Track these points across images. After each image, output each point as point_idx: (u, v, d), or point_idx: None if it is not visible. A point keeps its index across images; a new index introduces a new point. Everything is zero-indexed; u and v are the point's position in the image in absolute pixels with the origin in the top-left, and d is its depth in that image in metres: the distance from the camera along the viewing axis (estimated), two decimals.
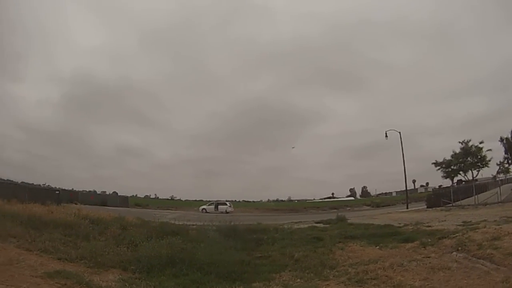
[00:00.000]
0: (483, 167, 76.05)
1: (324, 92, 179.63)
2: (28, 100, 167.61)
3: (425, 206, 47.96)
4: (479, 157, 74.95)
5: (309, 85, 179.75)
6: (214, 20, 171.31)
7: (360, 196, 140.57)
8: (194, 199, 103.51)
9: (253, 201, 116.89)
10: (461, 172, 79.39)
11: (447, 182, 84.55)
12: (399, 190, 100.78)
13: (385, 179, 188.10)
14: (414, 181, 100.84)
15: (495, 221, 21.29)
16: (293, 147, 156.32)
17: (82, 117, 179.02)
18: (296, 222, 31.49)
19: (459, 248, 14.27)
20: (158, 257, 14.80)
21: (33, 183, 72.58)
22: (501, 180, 68.04)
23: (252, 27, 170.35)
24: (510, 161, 78.87)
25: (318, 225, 29.25)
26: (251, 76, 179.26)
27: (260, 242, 20.54)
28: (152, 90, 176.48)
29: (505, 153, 77.15)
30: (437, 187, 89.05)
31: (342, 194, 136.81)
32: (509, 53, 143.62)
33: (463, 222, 22.77)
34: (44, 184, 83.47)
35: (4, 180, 60.61)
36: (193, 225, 26.41)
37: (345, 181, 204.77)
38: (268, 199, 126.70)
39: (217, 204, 66.28)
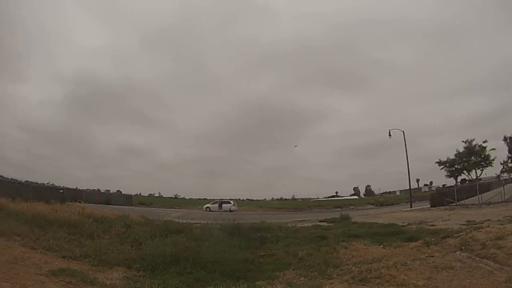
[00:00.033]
0: (486, 166, 75.90)
1: (326, 91, 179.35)
2: (31, 100, 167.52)
3: (429, 205, 47.92)
4: (482, 156, 74.76)
5: (311, 85, 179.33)
6: (215, 20, 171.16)
7: (364, 195, 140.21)
8: (198, 197, 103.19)
9: (257, 200, 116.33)
10: (464, 171, 79.21)
11: (451, 181, 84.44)
12: (403, 189, 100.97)
13: (388, 178, 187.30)
14: (418, 180, 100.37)
15: (498, 220, 21.30)
16: (295, 146, 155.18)
17: (84, 117, 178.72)
18: (300, 221, 31.64)
19: (463, 248, 14.28)
20: (162, 255, 14.89)
21: (37, 182, 72.79)
22: (505, 179, 67.58)
23: (253, 27, 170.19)
24: None
25: (322, 223, 29.30)
26: (253, 76, 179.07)
27: (264, 241, 20.55)
28: (154, 90, 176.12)
29: (509, 152, 76.60)
30: (441, 186, 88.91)
31: (346, 193, 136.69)
32: (510, 52, 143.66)
33: (466, 221, 22.81)
34: (48, 183, 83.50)
35: (8, 179, 60.76)
36: (197, 223, 26.42)
37: (348, 180, 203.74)
38: (272, 198, 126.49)
39: (221, 202, 66.22)
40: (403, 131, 58.51)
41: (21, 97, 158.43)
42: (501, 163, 79.21)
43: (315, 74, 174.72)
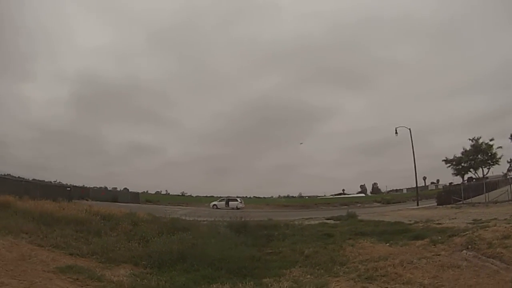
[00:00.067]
0: (493, 164, 75.58)
1: (331, 90, 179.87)
2: (38, 100, 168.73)
3: (436, 203, 47.84)
4: (489, 154, 74.42)
5: (316, 84, 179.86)
6: (218, 20, 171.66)
7: (371, 192, 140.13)
8: (205, 195, 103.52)
9: (264, 197, 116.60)
10: (471, 170, 78.92)
11: (457, 180, 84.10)
12: (409, 187, 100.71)
13: (395, 175, 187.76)
14: (424, 178, 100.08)
15: (505, 219, 21.16)
16: (301, 143, 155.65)
17: (91, 116, 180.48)
18: (306, 218, 31.80)
19: (469, 246, 14.26)
20: (169, 252, 14.95)
21: (44, 180, 72.97)
22: None
23: (256, 26, 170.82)
24: None
25: (328, 221, 29.31)
26: (257, 74, 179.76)
27: (271, 238, 20.63)
28: (160, 89, 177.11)
29: None
30: (448, 184, 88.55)
31: (352, 190, 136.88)
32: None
33: (473, 220, 22.69)
34: (55, 181, 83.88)
35: (15, 177, 60.98)
36: (204, 221, 26.49)
37: (355, 177, 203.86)
38: (279, 195, 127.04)
39: (228, 200, 66.30)
40: (409, 129, 58.53)
41: (28, 96, 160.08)
42: (508, 162, 79.13)
43: (318, 73, 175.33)
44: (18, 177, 64.10)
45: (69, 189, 49.98)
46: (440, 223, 23.06)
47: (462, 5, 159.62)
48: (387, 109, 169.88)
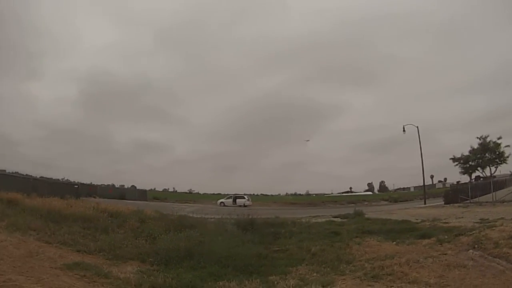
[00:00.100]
0: (501, 163, 74.85)
1: (338, 87, 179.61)
2: (47, 99, 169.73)
3: (443, 202, 47.64)
4: (497, 153, 73.89)
5: (323, 81, 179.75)
6: (225, 18, 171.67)
7: (378, 190, 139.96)
8: (212, 192, 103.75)
9: (271, 195, 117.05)
10: (479, 168, 78.46)
11: (465, 178, 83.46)
12: (417, 185, 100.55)
13: (403, 173, 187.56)
14: (432, 177, 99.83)
15: None
16: (307, 140, 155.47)
17: (99, 114, 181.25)
18: (313, 216, 31.68)
19: (476, 246, 14.27)
20: (176, 249, 15.04)
21: (52, 178, 73.22)
22: None
23: (263, 24, 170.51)
24: None
25: (335, 219, 29.30)
26: (265, 72, 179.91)
27: (278, 236, 20.69)
28: (168, 87, 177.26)
29: None
30: (455, 183, 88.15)
31: (360, 188, 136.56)
32: None
33: (480, 219, 22.57)
34: (63, 179, 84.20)
35: (23, 175, 61.28)
36: (211, 218, 26.66)
37: (363, 175, 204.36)
38: (286, 193, 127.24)
39: (235, 197, 66.21)
40: (417, 127, 58.23)
41: (36, 95, 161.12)
42: None
43: (325, 70, 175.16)
44: (26, 174, 64.71)
45: (76, 186, 50.30)
46: (447, 222, 22.97)
47: None
48: (395, 107, 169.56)
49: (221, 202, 64.96)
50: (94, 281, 10.19)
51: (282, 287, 11.34)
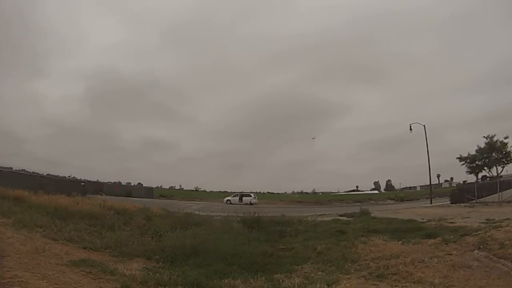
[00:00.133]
0: (508, 163, 74.54)
1: (348, 85, 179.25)
2: (53, 97, 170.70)
3: (449, 202, 47.50)
4: (504, 152, 73.55)
5: (332, 78, 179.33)
6: (236, 14, 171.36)
7: (385, 189, 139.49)
8: (218, 190, 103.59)
9: (278, 193, 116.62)
10: (485, 168, 78.17)
11: (471, 178, 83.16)
12: (423, 184, 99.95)
13: (409, 172, 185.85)
14: (438, 176, 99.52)
15: None
16: (313, 138, 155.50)
17: (106, 112, 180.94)
18: (320, 215, 31.68)
19: (481, 246, 14.28)
20: (182, 247, 15.17)
21: (58, 175, 73.46)
22: None
23: (275, 20, 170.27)
24: None
25: (341, 218, 29.34)
26: (273, 69, 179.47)
27: (284, 234, 20.71)
28: (175, 85, 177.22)
29: None
30: (462, 183, 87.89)
31: (366, 187, 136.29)
32: None
33: (486, 219, 22.50)
34: (69, 176, 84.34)
35: (30, 172, 61.48)
36: (217, 216, 26.66)
37: (369, 174, 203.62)
38: (293, 191, 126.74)
39: (242, 195, 66.17)
40: (424, 125, 57.83)
41: (43, 93, 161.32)
42: None
43: (334, 68, 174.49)
44: (33, 172, 64.87)
45: (83, 184, 50.25)
46: (452, 222, 22.92)
47: None
48: (402, 105, 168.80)
49: (227, 200, 64.87)
50: (100, 278, 10.25)
51: (287, 285, 11.41)
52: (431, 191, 59.01)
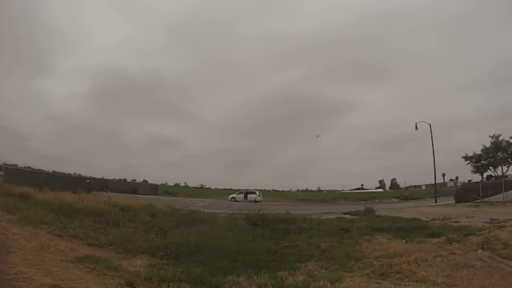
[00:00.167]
0: None
1: (354, 83, 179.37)
2: (59, 95, 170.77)
3: (454, 201, 47.39)
4: (509, 152, 73.30)
5: (339, 76, 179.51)
6: (242, 12, 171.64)
7: (389, 188, 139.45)
8: (223, 187, 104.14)
9: (283, 191, 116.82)
10: (491, 167, 77.94)
11: (477, 177, 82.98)
12: (428, 183, 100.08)
13: (414, 171, 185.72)
14: (443, 175, 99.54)
15: None
16: (318, 136, 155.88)
17: (113, 109, 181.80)
18: (324, 213, 31.76)
19: (485, 246, 14.28)
20: (186, 244, 15.25)
21: (64, 172, 73.63)
22: None
23: (281, 19, 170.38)
24: None
25: (346, 216, 29.46)
26: (280, 67, 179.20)
27: (288, 232, 20.73)
28: (181, 83, 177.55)
29: None
30: (467, 182, 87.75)
31: (371, 185, 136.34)
32: None
33: (490, 219, 22.47)
34: (75, 173, 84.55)
35: (35, 169, 61.57)
36: (222, 213, 26.85)
37: (374, 172, 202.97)
38: (298, 189, 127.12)
39: (246, 193, 66.16)
40: (429, 124, 57.52)
41: (48, 91, 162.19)
42: None
43: (342, 65, 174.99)
44: (38, 169, 64.77)
45: (88, 181, 50.41)
46: (457, 221, 22.89)
47: None
48: (408, 103, 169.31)
49: (232, 197, 64.86)
50: (104, 274, 10.32)
51: (291, 282, 11.44)
52: (436, 190, 58.94)
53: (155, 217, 21.93)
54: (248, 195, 64.64)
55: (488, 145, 75.65)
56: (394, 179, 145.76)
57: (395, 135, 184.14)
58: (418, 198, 73.18)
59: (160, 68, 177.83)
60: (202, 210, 28.14)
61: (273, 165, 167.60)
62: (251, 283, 11.40)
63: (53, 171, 64.65)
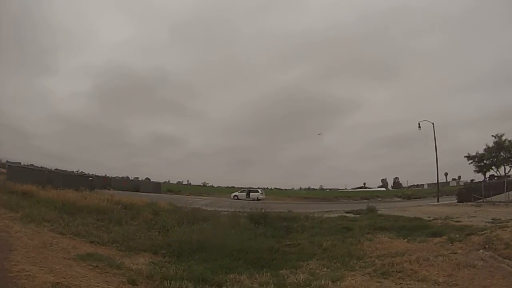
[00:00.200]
0: None
1: (357, 81, 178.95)
2: (62, 93, 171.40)
3: (456, 200, 47.35)
4: None
5: (342, 74, 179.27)
6: (245, 10, 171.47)
7: (392, 187, 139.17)
8: (226, 186, 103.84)
9: (285, 189, 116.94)
10: (493, 167, 77.80)
11: (479, 177, 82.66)
12: (430, 182, 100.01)
13: (417, 170, 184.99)
14: (446, 174, 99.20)
15: None
16: (319, 134, 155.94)
17: (116, 107, 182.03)
18: (326, 211, 31.87)
19: (486, 246, 14.29)
20: (188, 242, 15.32)
21: (66, 170, 73.79)
22: None
23: (284, 17, 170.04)
24: None
25: (348, 215, 29.42)
26: (283, 65, 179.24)
27: (290, 230, 20.83)
28: (185, 81, 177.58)
29: None
30: (469, 181, 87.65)
31: (374, 184, 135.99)
32: None
33: (492, 219, 22.40)
34: (77, 171, 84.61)
35: (38, 167, 61.73)
36: (224, 211, 26.76)
37: (377, 171, 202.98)
38: (300, 187, 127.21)
39: (249, 191, 65.93)
40: (432, 123, 57.31)
41: (51, 89, 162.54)
42: None
43: (344, 64, 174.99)
44: (41, 167, 65.07)
45: (91, 178, 50.37)
46: (459, 221, 22.84)
47: None
48: (412, 102, 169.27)
49: (235, 195, 64.72)
50: (107, 272, 10.34)
51: (292, 281, 11.49)
52: (438, 190, 58.81)
53: (157, 215, 22.00)
54: (251, 193, 64.47)
55: (491, 144, 75.51)
56: (396, 178, 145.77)
57: (398, 134, 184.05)
58: (420, 197, 73.30)
59: (164, 67, 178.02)
60: (204, 208, 28.09)
61: (276, 163, 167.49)
62: (253, 281, 11.46)
63: (56, 169, 65.15)
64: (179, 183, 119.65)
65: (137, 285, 9.74)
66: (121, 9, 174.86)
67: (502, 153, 73.54)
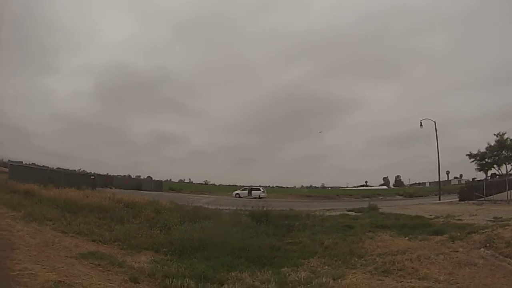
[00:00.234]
0: None
1: (359, 80, 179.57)
2: (64, 92, 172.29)
3: (458, 199, 47.35)
4: None
5: (344, 73, 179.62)
6: (247, 10, 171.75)
7: (394, 185, 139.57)
8: (228, 184, 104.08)
9: (287, 187, 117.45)
10: (495, 166, 77.76)
11: (481, 175, 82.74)
12: (432, 180, 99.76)
13: (419, 169, 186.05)
14: (448, 173, 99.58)
15: None
16: (320, 132, 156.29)
17: (118, 106, 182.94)
18: (328, 209, 31.71)
19: (487, 245, 14.28)
20: (190, 240, 15.37)
21: (68, 169, 73.83)
22: None
23: (285, 16, 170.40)
24: None
25: (349, 213, 29.45)
26: (285, 64, 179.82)
27: (292, 228, 20.83)
28: (187, 80, 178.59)
29: None
30: (471, 180, 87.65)
31: (375, 182, 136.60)
32: None
33: (493, 217, 22.44)
34: (79, 170, 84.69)
35: (40, 166, 61.83)
36: (226, 209, 26.86)
37: (379, 169, 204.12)
38: (302, 186, 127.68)
39: (251, 189, 66.07)
40: (434, 122, 57.42)
41: (53, 88, 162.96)
42: None
43: (348, 62, 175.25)
44: (43, 166, 65.25)
45: (93, 177, 50.41)
46: (460, 219, 22.84)
47: None
48: (413, 101, 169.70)
49: (237, 193, 65.12)
50: (109, 270, 10.37)
51: (294, 279, 11.49)
52: (439, 188, 58.66)
53: (159, 213, 22.05)
54: (252, 192, 64.53)
55: (492, 143, 75.53)
56: (398, 176, 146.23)
57: (400, 132, 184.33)
58: (422, 196, 73.06)
59: (165, 65, 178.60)
60: (206, 206, 28.21)
61: (278, 162, 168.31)
62: (255, 279, 11.46)
63: (58, 168, 65.44)
64: (180, 181, 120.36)
65: (139, 283, 9.76)
66: (122, 8, 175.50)
67: (504, 152, 73.67)
